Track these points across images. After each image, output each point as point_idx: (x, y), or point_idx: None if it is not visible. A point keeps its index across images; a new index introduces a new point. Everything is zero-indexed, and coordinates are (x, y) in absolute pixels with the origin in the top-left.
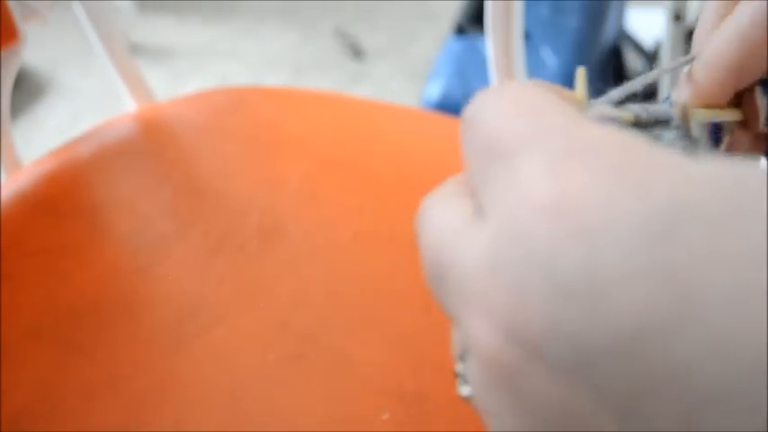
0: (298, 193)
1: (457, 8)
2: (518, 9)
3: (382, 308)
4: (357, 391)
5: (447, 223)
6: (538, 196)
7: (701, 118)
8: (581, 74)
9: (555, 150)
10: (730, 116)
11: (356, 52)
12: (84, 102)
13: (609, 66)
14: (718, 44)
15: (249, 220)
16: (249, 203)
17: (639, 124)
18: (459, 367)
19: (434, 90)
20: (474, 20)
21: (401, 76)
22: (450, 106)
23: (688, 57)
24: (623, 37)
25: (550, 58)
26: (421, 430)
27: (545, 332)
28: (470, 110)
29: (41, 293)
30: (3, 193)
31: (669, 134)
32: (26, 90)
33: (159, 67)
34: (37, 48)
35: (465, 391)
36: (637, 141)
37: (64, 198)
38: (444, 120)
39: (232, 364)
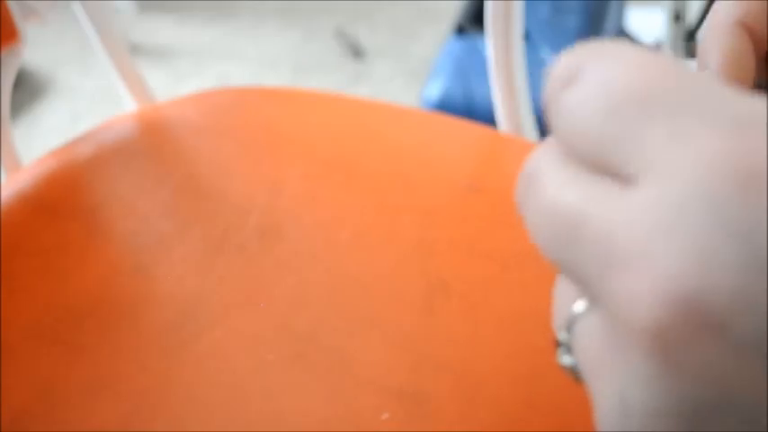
0: (297, 192)
1: (457, 8)
2: (518, 9)
3: (382, 308)
4: (357, 391)
5: (578, 189)
6: (724, 160)
7: None
8: None
9: (726, 113)
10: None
11: (356, 52)
12: (84, 102)
13: None
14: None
15: (249, 220)
16: (249, 203)
17: None
18: (561, 336)
19: (434, 90)
20: (474, 20)
21: (401, 76)
22: (450, 106)
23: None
24: (623, 37)
25: (550, 59)
26: (421, 430)
27: (733, 306)
28: (573, 67)
29: (41, 293)
30: (3, 193)
31: None
32: (26, 90)
33: (159, 67)
34: (37, 48)
35: (567, 360)
36: None
37: (64, 198)
38: (444, 120)
39: (232, 364)
